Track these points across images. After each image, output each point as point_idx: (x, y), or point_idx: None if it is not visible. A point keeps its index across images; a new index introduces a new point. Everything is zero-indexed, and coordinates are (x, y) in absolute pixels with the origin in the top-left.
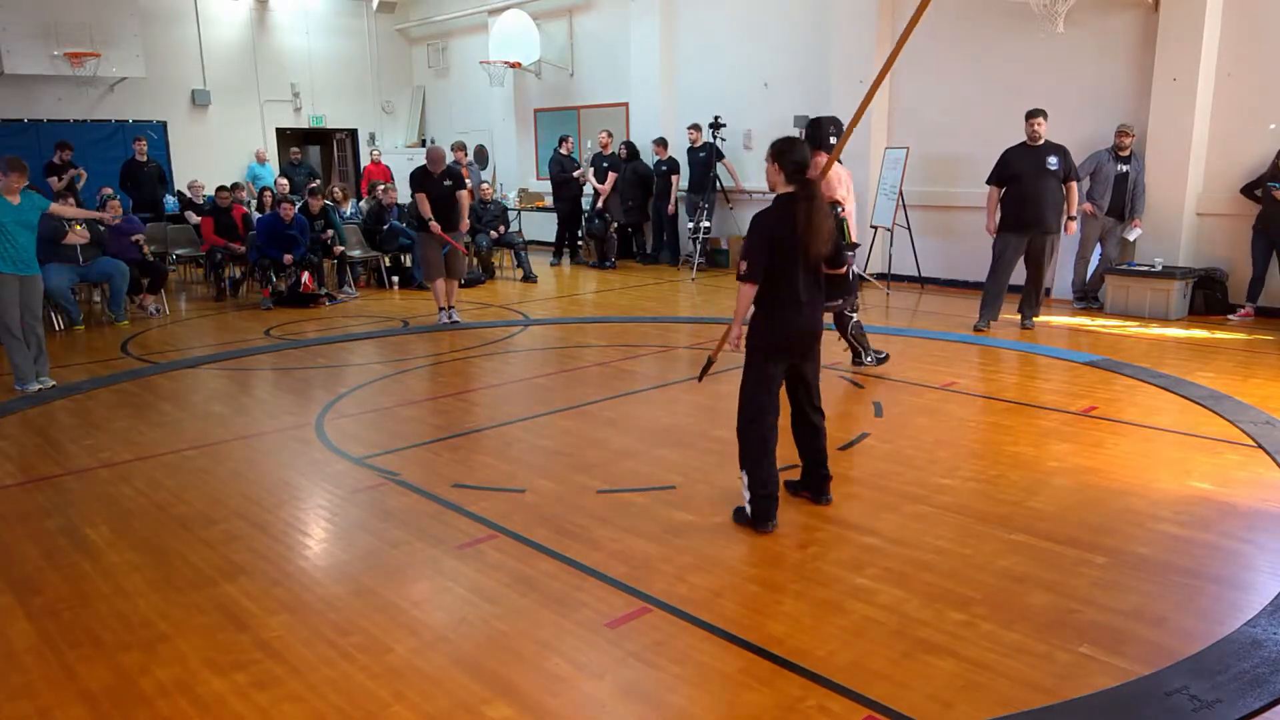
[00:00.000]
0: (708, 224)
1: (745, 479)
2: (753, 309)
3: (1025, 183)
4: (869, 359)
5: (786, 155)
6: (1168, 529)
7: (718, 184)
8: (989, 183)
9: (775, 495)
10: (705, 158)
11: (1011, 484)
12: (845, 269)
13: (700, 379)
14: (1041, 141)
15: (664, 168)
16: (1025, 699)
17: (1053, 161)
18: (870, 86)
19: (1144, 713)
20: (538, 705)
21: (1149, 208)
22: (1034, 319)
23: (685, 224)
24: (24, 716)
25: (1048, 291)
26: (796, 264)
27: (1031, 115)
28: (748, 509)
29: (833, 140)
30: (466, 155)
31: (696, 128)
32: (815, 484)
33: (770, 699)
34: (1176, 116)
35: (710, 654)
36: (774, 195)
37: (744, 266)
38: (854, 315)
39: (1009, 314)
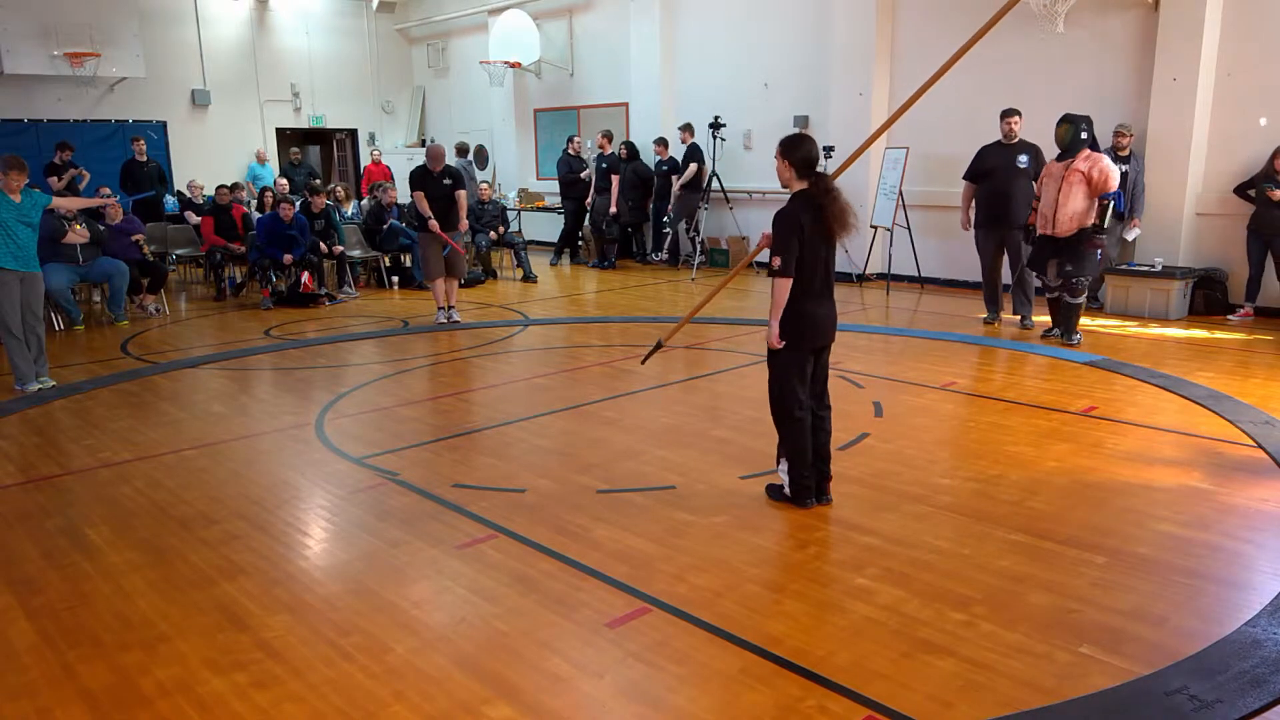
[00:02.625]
0: (666, 219)
1: (785, 464)
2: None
3: (996, 180)
4: (1074, 337)
5: (795, 152)
6: (1168, 529)
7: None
8: (964, 179)
9: (812, 478)
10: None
11: (1011, 484)
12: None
13: (644, 361)
14: (1015, 140)
15: (664, 168)
16: (1025, 699)
17: (1023, 160)
18: (919, 87)
19: (1144, 713)
20: (538, 705)
21: (1149, 208)
22: (1032, 317)
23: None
24: (24, 716)
25: (1040, 291)
26: (820, 256)
27: (1007, 114)
28: (786, 489)
29: (1083, 136)
30: (468, 156)
31: (688, 128)
32: (816, 482)
33: (770, 699)
34: (1176, 116)
35: (710, 654)
36: (790, 193)
37: (776, 263)
38: (1081, 299)
39: (1011, 315)
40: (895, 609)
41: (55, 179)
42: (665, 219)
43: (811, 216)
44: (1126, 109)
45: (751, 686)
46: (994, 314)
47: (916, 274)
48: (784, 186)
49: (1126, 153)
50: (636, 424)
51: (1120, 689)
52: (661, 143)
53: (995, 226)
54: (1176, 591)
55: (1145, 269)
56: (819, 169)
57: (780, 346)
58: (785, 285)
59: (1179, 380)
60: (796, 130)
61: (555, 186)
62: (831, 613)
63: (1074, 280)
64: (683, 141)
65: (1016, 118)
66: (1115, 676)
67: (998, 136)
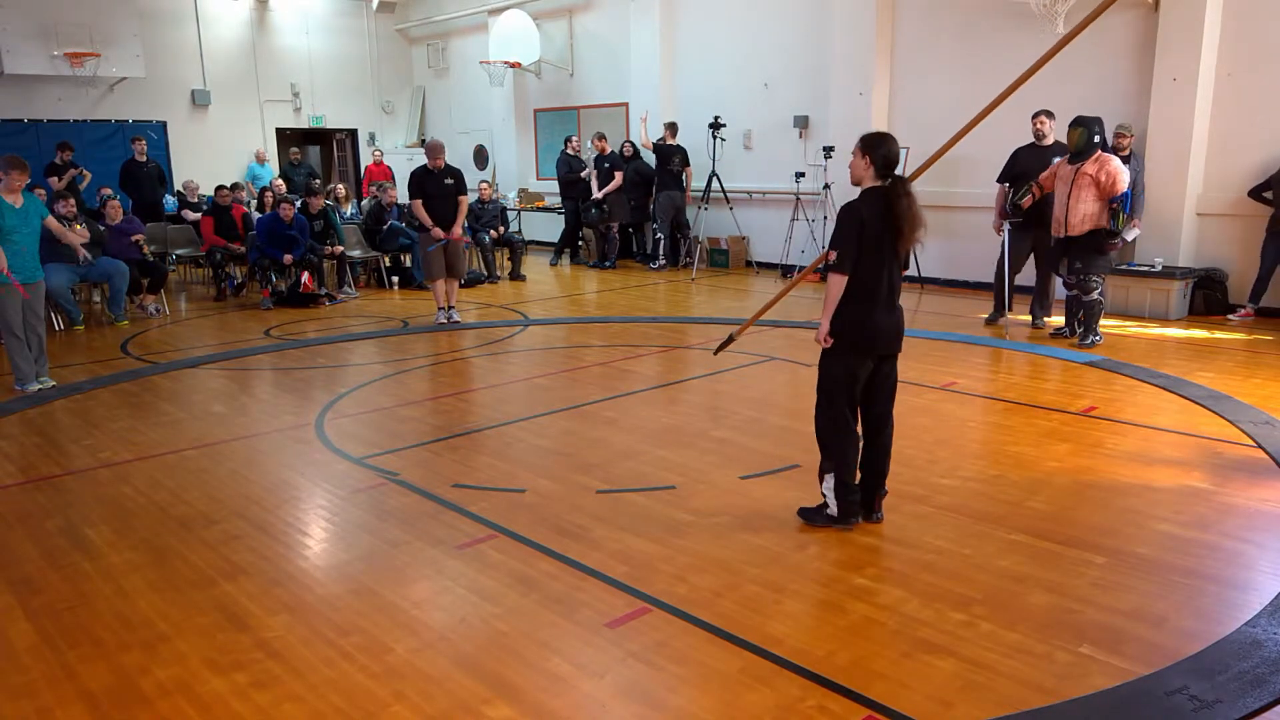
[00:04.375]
0: (655, 224)
1: (830, 479)
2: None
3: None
4: (1092, 338)
5: (877, 150)
6: (1168, 529)
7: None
8: (999, 180)
9: (859, 495)
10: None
11: (1011, 484)
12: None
13: (716, 353)
14: (1049, 142)
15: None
16: (1025, 699)
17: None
18: (989, 104)
19: (1144, 713)
20: (538, 705)
21: (1149, 208)
22: (1046, 318)
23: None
24: (24, 716)
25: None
26: (885, 259)
27: (1035, 115)
28: (831, 508)
29: (1096, 139)
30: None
31: (672, 126)
32: (869, 498)
33: (770, 699)
34: (1176, 116)
35: (710, 654)
36: (860, 189)
37: (833, 256)
38: (1095, 297)
39: (1021, 314)
40: (895, 609)
41: (55, 179)
42: (654, 224)
43: (879, 214)
44: (1126, 109)
45: (751, 686)
46: (998, 313)
47: (917, 274)
48: (854, 184)
49: (1127, 153)
50: (636, 424)
51: (1120, 689)
52: (671, 128)
53: (1029, 229)
54: (1176, 591)
55: (1145, 269)
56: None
57: (828, 345)
58: (840, 282)
59: (1179, 380)
60: (877, 130)
61: (555, 186)
62: (831, 613)
63: (1083, 277)
64: (667, 139)
65: (1044, 118)
66: (1115, 676)
67: (996, 136)
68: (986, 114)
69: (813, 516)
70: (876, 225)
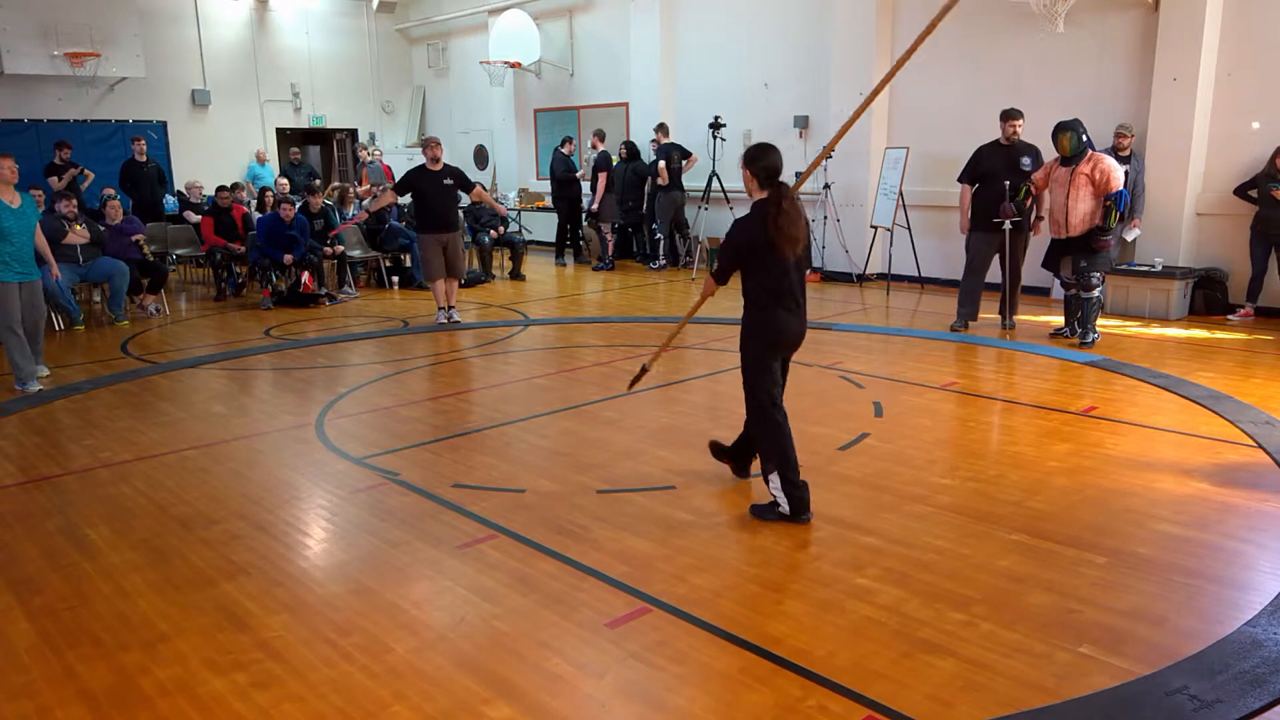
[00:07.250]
0: (655, 225)
1: (775, 477)
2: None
3: (998, 181)
4: (1092, 336)
5: (758, 161)
6: (1168, 529)
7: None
8: (960, 180)
9: (806, 487)
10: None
11: (1011, 484)
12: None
13: (630, 387)
14: (1015, 141)
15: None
16: (1025, 699)
17: (1026, 162)
18: (874, 88)
19: (1144, 713)
20: (538, 705)
21: (1149, 208)
22: (1014, 319)
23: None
24: (24, 716)
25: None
26: (784, 265)
27: (1009, 117)
28: (782, 506)
29: (1084, 138)
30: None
31: (662, 128)
32: (741, 458)
33: (770, 699)
34: (1176, 116)
35: (710, 654)
36: (752, 201)
37: (716, 265)
38: (1095, 295)
39: (990, 314)
40: (895, 609)
41: (56, 179)
42: (654, 225)
43: (764, 228)
44: (1126, 109)
45: (751, 686)
46: (964, 320)
47: (917, 274)
48: (750, 196)
49: (1127, 153)
50: (636, 424)
51: (1120, 689)
52: (663, 129)
53: (996, 230)
54: (1176, 591)
55: (1145, 269)
56: (780, 179)
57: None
58: (709, 287)
59: (1179, 380)
60: (760, 141)
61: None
62: (831, 613)
63: (1088, 275)
64: (655, 143)
65: (1019, 120)
66: (1115, 676)
67: (996, 136)
68: (874, 97)
69: (764, 513)
70: (759, 237)
